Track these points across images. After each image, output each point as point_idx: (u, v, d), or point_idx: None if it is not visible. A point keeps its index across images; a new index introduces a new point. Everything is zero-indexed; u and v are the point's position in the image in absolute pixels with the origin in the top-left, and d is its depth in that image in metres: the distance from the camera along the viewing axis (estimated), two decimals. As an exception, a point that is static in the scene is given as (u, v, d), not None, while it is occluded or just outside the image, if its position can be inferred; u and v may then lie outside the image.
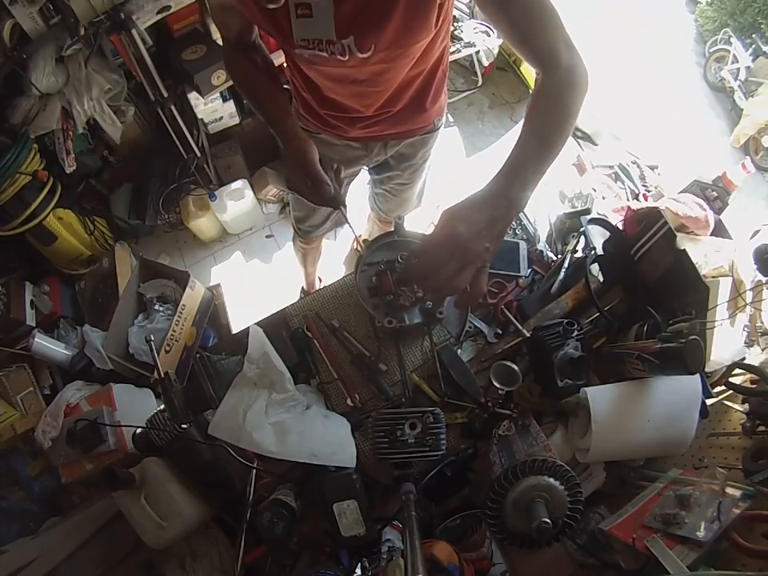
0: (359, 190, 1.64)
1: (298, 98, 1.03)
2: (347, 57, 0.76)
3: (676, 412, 0.80)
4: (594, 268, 0.99)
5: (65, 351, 1.66)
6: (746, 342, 0.94)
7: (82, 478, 1.15)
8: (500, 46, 2.79)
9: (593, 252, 0.98)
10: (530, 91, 0.68)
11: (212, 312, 1.74)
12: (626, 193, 1.32)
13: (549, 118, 0.64)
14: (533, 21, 0.65)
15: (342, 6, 0.71)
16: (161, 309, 1.62)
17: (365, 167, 1.24)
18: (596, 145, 2.88)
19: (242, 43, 0.90)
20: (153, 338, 0.95)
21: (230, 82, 1.82)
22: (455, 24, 2.65)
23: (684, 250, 0.89)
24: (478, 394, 0.89)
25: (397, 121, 1.01)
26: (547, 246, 1.08)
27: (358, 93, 0.90)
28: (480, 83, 2.94)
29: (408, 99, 0.96)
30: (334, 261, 2.15)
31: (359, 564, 0.79)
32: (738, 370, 0.91)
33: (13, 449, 1.38)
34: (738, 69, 3.63)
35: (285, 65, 0.99)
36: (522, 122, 0.65)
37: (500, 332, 0.98)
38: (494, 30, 0.70)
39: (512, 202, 0.58)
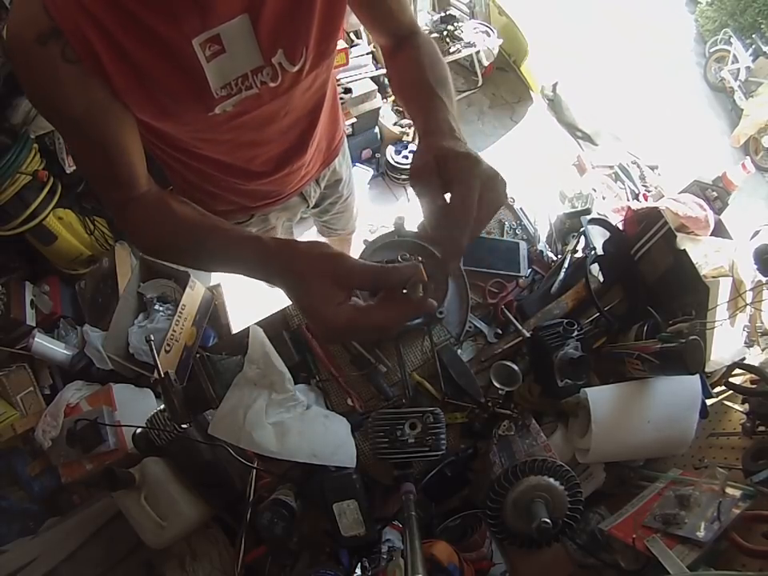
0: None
1: (201, 196, 0.85)
2: (279, 79, 0.64)
3: (676, 412, 0.80)
4: (594, 268, 0.99)
5: (65, 351, 1.65)
6: (746, 342, 0.94)
7: (82, 477, 1.15)
8: (500, 46, 2.79)
9: (593, 252, 0.98)
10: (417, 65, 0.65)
11: (212, 312, 1.74)
12: (626, 193, 1.32)
13: (441, 67, 0.68)
14: None
15: (261, 19, 0.57)
16: (161, 309, 1.62)
17: (303, 214, 1.14)
18: (596, 145, 2.89)
19: (146, 180, 0.64)
20: (153, 338, 0.94)
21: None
22: (455, 24, 2.65)
23: (684, 250, 0.89)
24: (478, 393, 0.89)
25: (324, 146, 0.94)
26: (547, 246, 1.08)
27: (293, 125, 0.79)
28: (480, 83, 2.95)
29: (328, 115, 0.88)
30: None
31: (359, 564, 0.78)
32: (738, 370, 0.91)
33: (13, 449, 1.37)
34: (738, 69, 3.64)
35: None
36: (425, 80, 0.65)
37: (500, 332, 0.98)
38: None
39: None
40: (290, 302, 0.52)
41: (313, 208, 1.15)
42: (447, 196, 0.50)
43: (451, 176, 0.49)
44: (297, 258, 0.50)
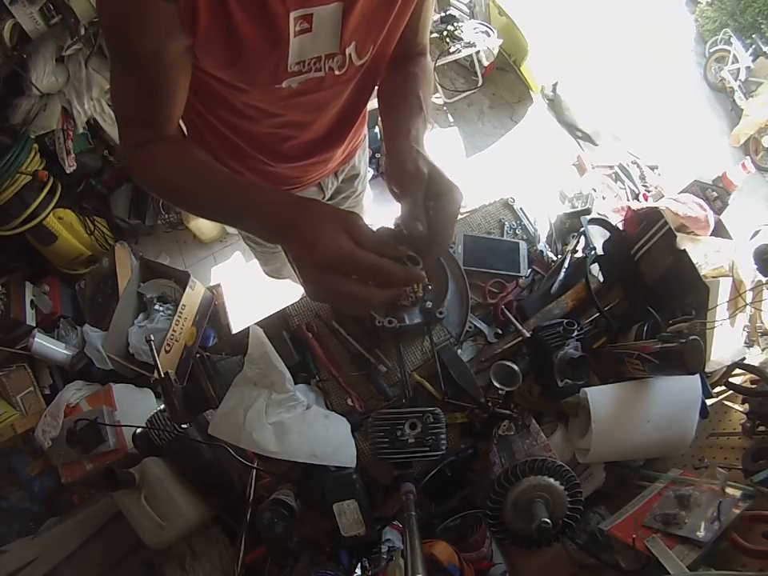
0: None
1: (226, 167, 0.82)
2: (345, 68, 0.67)
3: (676, 412, 0.80)
4: (594, 268, 0.99)
5: (65, 351, 1.66)
6: (746, 342, 0.94)
7: (82, 477, 1.15)
8: (500, 46, 2.79)
9: (593, 252, 0.98)
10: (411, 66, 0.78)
11: (212, 312, 1.74)
12: (626, 193, 1.32)
13: (429, 93, 0.76)
14: (428, 11, 0.76)
15: (352, 11, 0.60)
16: (161, 309, 1.62)
17: None
18: (596, 145, 2.89)
19: (175, 128, 0.65)
20: (153, 338, 0.95)
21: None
22: (455, 24, 2.65)
23: (684, 250, 0.89)
24: (478, 393, 0.89)
25: (350, 139, 0.94)
26: (547, 246, 1.08)
27: (337, 117, 0.81)
28: (480, 83, 2.94)
29: (364, 117, 0.90)
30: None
31: (359, 564, 0.79)
32: (738, 370, 0.91)
33: (13, 449, 1.38)
34: (738, 69, 3.64)
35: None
36: (411, 91, 0.71)
37: (500, 332, 0.98)
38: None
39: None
40: (289, 245, 0.52)
41: (327, 200, 1.16)
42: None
43: (440, 190, 0.57)
44: (316, 204, 0.54)
